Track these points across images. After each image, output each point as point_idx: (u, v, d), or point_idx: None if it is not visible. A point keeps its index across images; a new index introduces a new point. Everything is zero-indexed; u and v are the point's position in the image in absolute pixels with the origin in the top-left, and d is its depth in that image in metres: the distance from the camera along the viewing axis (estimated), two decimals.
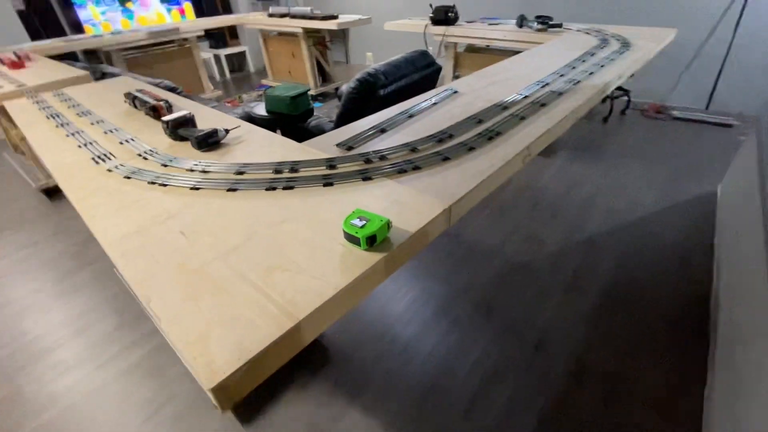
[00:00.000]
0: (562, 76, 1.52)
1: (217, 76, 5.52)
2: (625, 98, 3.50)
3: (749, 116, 3.21)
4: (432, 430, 1.25)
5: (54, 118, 1.43)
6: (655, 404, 1.29)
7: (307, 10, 3.91)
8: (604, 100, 3.51)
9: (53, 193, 2.72)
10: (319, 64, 4.25)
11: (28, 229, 2.37)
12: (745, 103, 3.24)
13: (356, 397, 1.35)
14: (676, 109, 3.41)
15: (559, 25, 2.42)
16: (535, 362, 1.44)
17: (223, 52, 5.41)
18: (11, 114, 1.54)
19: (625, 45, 1.96)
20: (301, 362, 1.47)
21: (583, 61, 1.71)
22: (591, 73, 1.53)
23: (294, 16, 3.92)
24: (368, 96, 2.00)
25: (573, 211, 2.22)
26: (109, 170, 0.99)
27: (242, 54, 5.74)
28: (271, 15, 4.13)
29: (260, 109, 2.02)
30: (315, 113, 2.28)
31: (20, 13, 3.98)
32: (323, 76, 4.35)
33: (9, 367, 1.53)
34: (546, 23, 2.39)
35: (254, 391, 1.54)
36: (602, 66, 1.62)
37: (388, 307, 1.70)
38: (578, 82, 1.43)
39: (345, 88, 2.01)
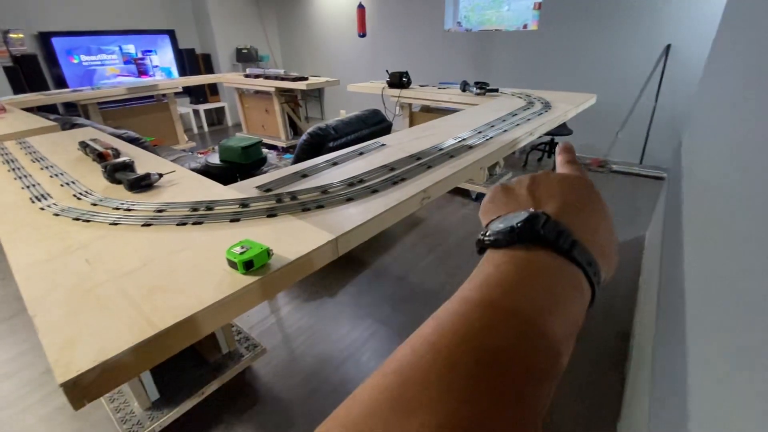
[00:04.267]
0: (480, 132, 1.73)
1: (195, 129, 5.76)
2: None
3: None
4: None
5: (9, 163, 1.53)
6: None
7: (280, 72, 4.25)
8: (549, 155, 3.83)
9: None
10: (291, 119, 4.53)
11: None
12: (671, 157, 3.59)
13: None
14: (615, 163, 3.74)
15: (496, 90, 2.73)
16: None
17: (203, 107, 5.71)
18: None
19: (546, 107, 2.23)
20: (227, 405, 1.47)
21: (504, 120, 1.94)
22: (505, 131, 1.74)
23: (268, 77, 4.24)
24: (318, 147, 2.17)
25: None
26: (42, 208, 1.08)
27: (221, 109, 6.06)
28: (247, 75, 4.46)
29: (216, 159, 2.16)
30: (281, 164, 2.44)
31: (6, 69, 4.20)
32: (294, 130, 4.62)
33: None
34: (484, 88, 2.69)
35: None
36: (517, 124, 1.85)
37: (327, 347, 1.73)
38: (491, 137, 1.63)
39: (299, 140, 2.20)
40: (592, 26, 3.65)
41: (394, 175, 1.24)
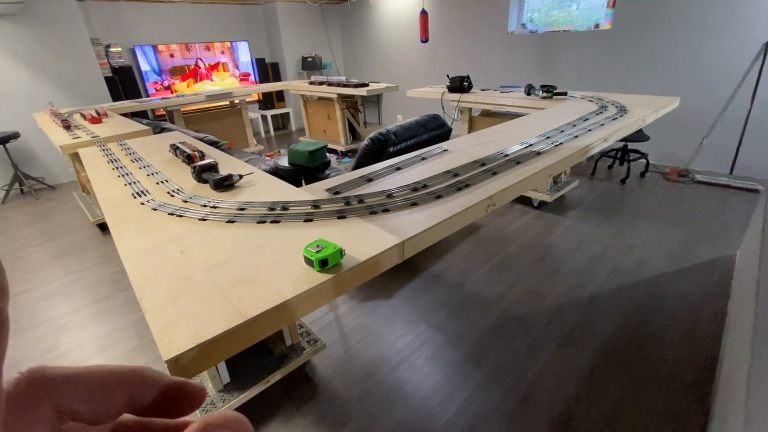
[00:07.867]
0: (548, 138, 1.66)
1: (263, 133, 6.14)
2: (643, 161, 3.53)
3: None
4: None
5: (113, 162, 1.74)
6: None
7: (342, 78, 4.40)
8: (622, 163, 3.56)
9: (106, 227, 3.09)
10: (350, 124, 4.66)
11: (80, 256, 2.70)
12: None
13: None
14: (699, 173, 3.39)
15: (564, 93, 2.60)
16: (520, 414, 1.42)
17: (270, 112, 6.07)
18: (82, 158, 1.89)
19: (622, 111, 2.09)
20: (288, 395, 1.54)
21: (574, 125, 1.85)
22: (576, 136, 1.66)
23: (331, 84, 4.41)
24: (379, 152, 2.22)
25: (577, 269, 2.22)
26: (142, 203, 1.21)
27: (287, 114, 6.40)
28: (311, 83, 4.67)
29: (285, 161, 2.29)
30: (341, 167, 2.54)
31: (107, 79, 4.78)
32: (353, 134, 4.74)
33: None
34: (550, 91, 2.58)
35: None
36: (589, 130, 1.75)
37: (381, 349, 1.76)
38: (560, 143, 1.56)
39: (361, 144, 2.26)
40: (677, 22, 3.35)
41: (458, 180, 1.23)
